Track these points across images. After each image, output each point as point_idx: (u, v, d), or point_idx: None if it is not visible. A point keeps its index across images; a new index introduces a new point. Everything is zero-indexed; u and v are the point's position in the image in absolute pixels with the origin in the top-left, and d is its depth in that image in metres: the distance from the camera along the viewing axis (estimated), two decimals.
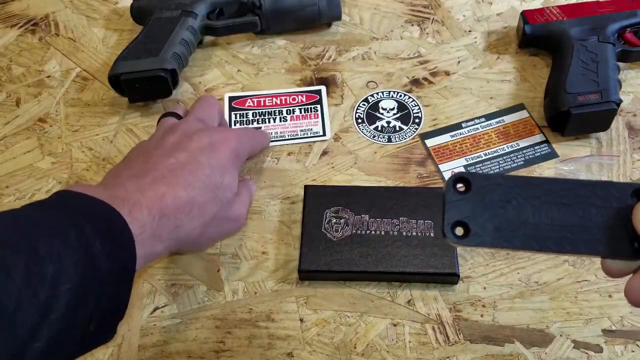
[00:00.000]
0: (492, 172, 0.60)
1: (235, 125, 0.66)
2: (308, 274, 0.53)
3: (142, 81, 0.64)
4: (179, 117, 0.57)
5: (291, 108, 0.67)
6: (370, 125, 0.65)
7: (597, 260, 0.54)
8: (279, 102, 0.67)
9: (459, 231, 0.33)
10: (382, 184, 0.60)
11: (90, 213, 0.40)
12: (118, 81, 0.64)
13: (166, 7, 0.69)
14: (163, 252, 0.47)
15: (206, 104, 0.59)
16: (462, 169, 0.61)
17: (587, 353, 0.50)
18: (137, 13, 0.72)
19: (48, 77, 0.71)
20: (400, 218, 0.55)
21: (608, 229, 0.33)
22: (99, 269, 0.38)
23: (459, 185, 0.34)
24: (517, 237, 0.33)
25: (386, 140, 0.64)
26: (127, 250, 0.41)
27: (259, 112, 0.66)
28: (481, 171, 0.61)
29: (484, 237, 0.33)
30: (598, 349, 0.50)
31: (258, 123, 0.65)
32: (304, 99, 0.67)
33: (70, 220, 0.39)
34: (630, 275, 0.35)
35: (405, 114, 0.66)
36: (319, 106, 0.66)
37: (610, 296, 0.52)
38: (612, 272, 0.35)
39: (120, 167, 0.50)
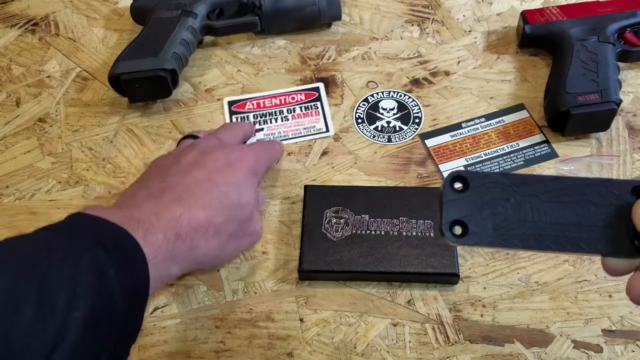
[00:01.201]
0: (492, 171, 0.60)
1: None
2: (308, 274, 0.53)
3: (142, 81, 0.64)
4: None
5: (291, 107, 0.67)
6: (370, 125, 0.65)
7: (597, 260, 0.54)
8: (278, 102, 0.67)
9: (457, 230, 0.33)
10: (382, 184, 0.60)
11: (103, 237, 0.40)
12: (118, 81, 0.64)
13: (166, 7, 0.69)
14: (178, 273, 0.46)
15: (229, 126, 0.60)
16: (462, 169, 0.61)
17: (587, 353, 0.50)
18: (137, 13, 0.72)
19: (48, 77, 0.71)
20: (400, 218, 0.55)
21: (608, 227, 0.32)
22: (112, 296, 0.38)
23: (457, 184, 0.33)
24: (516, 236, 0.32)
25: (386, 140, 0.64)
26: (140, 276, 0.41)
27: (259, 114, 0.66)
28: (481, 171, 0.61)
29: (483, 236, 0.32)
30: (598, 349, 0.50)
31: (260, 125, 0.65)
32: (303, 97, 0.67)
33: (83, 246, 0.38)
34: (632, 274, 0.35)
35: (405, 114, 0.66)
36: (318, 103, 0.67)
37: (610, 296, 0.52)
38: (613, 271, 0.34)
39: (136, 186, 0.50)
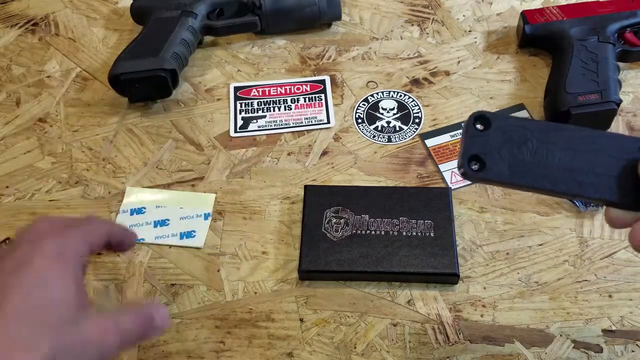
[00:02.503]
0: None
1: (239, 114, 0.66)
2: (308, 274, 0.53)
3: (142, 81, 0.64)
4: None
5: (295, 97, 0.67)
6: (370, 125, 0.65)
7: (597, 260, 0.54)
8: (283, 91, 0.68)
9: (475, 165, 0.34)
10: (382, 184, 0.60)
11: None
12: (118, 81, 0.64)
13: (166, 7, 0.69)
14: None
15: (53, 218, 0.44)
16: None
17: (587, 353, 0.50)
18: (137, 13, 0.72)
19: (48, 77, 0.71)
20: (400, 218, 0.55)
21: (617, 178, 0.34)
22: None
23: (479, 125, 0.35)
24: (530, 175, 0.34)
25: (386, 140, 0.64)
26: None
27: (264, 102, 0.67)
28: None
29: (498, 173, 0.34)
30: (598, 349, 0.50)
31: (263, 112, 0.66)
32: (308, 89, 0.68)
33: None
34: (635, 224, 0.35)
35: (405, 114, 0.66)
36: (323, 95, 0.67)
37: (610, 296, 0.52)
38: (615, 222, 0.35)
39: None
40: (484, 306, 0.52)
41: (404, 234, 0.54)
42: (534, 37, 0.68)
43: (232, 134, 0.65)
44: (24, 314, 0.36)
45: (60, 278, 0.38)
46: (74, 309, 0.38)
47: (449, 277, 0.53)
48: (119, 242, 0.46)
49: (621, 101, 0.60)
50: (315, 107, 0.66)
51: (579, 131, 0.35)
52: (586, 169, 0.34)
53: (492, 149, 0.34)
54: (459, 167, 0.34)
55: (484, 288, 0.53)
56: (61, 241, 0.40)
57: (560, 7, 0.69)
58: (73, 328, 0.37)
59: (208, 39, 0.73)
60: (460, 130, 0.64)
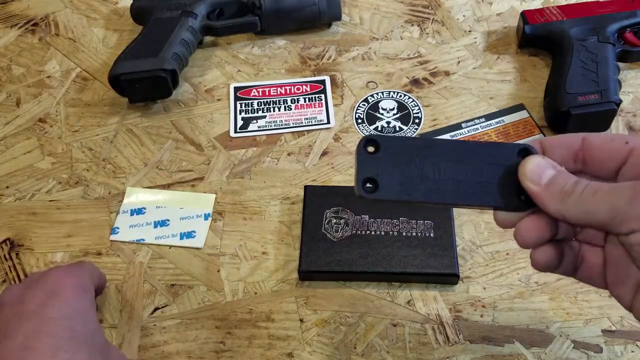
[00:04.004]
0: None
1: (239, 114, 0.66)
2: (308, 274, 0.54)
3: (142, 81, 0.64)
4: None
5: (296, 97, 0.67)
6: (370, 126, 0.65)
7: None
8: (283, 91, 0.68)
9: (369, 187, 0.36)
10: None
11: None
12: (118, 81, 0.64)
13: (166, 7, 0.69)
14: None
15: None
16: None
17: (587, 353, 0.50)
18: (137, 13, 0.72)
19: (48, 77, 0.71)
20: (400, 218, 0.55)
21: (499, 185, 0.37)
22: None
23: (370, 147, 0.37)
24: (419, 191, 0.36)
25: None
26: None
27: (263, 102, 0.67)
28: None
29: (390, 192, 0.36)
30: (598, 349, 0.50)
31: (263, 112, 0.66)
32: (308, 89, 0.68)
33: None
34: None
35: (405, 114, 0.66)
36: (323, 95, 0.67)
37: (610, 296, 0.52)
38: (503, 223, 0.38)
39: None
40: (483, 306, 0.52)
41: (404, 234, 0.54)
42: (534, 37, 0.68)
43: (232, 134, 0.65)
44: (71, 340, 0.39)
45: (89, 308, 0.43)
46: (104, 339, 0.43)
47: (449, 278, 0.53)
48: (102, 286, 0.51)
49: (621, 101, 0.60)
50: (315, 107, 0.66)
51: (459, 144, 0.38)
52: (471, 179, 0.37)
53: (384, 170, 0.36)
54: (355, 192, 0.36)
55: (484, 288, 0.53)
56: (75, 276, 0.44)
57: (560, 7, 0.69)
58: (112, 352, 0.43)
59: (208, 39, 0.73)
60: (460, 131, 0.64)
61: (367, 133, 0.64)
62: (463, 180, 0.37)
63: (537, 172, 0.35)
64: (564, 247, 0.38)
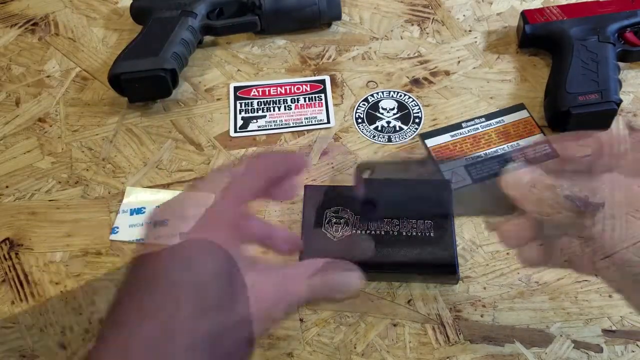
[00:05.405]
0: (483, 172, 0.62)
1: (239, 114, 0.66)
2: None
3: (142, 81, 0.64)
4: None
5: (295, 97, 0.67)
6: (370, 125, 0.65)
7: (597, 261, 0.54)
8: (283, 91, 0.68)
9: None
10: None
11: None
12: (118, 81, 0.64)
13: (166, 7, 0.69)
14: None
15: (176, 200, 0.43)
16: (463, 169, 0.61)
17: (587, 353, 0.50)
18: (137, 13, 0.72)
19: (48, 77, 0.71)
20: (401, 218, 0.55)
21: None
22: None
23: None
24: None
25: (386, 140, 0.64)
26: None
27: (263, 101, 0.67)
28: (480, 170, 0.61)
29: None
30: (598, 349, 0.50)
31: (263, 112, 0.66)
32: (308, 89, 0.68)
33: None
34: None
35: (405, 114, 0.66)
36: (323, 95, 0.67)
37: (610, 296, 0.52)
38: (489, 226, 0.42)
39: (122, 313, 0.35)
40: (484, 306, 0.52)
41: (404, 234, 0.54)
42: (534, 37, 0.68)
43: (232, 134, 0.65)
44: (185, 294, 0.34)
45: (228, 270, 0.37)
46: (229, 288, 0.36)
47: (449, 277, 0.53)
48: (289, 169, 0.41)
49: (621, 101, 0.60)
50: (315, 107, 0.66)
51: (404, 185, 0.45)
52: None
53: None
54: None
55: (484, 288, 0.53)
56: (230, 192, 0.41)
57: (560, 7, 0.69)
58: (231, 306, 0.36)
59: (208, 38, 0.73)
60: (460, 130, 0.64)
61: (367, 133, 0.64)
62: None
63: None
64: (552, 243, 0.38)
